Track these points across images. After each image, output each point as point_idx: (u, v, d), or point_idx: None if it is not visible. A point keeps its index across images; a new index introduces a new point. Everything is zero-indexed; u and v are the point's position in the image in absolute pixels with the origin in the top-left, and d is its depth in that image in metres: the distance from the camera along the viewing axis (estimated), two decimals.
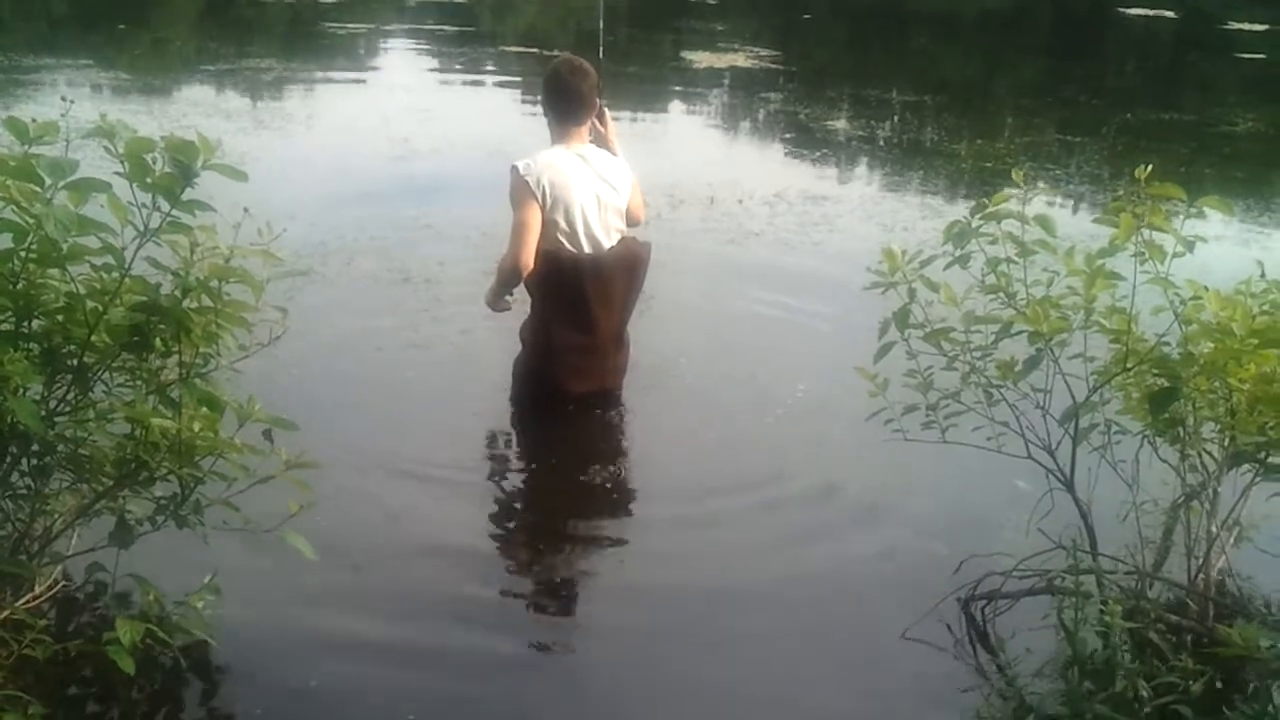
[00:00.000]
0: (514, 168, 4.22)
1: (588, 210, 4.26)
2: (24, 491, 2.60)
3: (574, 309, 4.31)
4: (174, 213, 2.30)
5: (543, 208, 4.20)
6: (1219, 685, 2.54)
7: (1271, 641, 2.33)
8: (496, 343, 4.77)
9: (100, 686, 2.68)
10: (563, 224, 4.23)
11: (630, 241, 4.42)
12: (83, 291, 2.39)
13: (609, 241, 4.35)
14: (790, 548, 3.55)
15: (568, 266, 4.26)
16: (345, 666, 2.85)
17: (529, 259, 4.19)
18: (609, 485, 3.93)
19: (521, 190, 4.19)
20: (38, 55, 12.46)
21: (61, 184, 2.20)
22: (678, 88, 13.58)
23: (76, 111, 2.41)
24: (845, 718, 2.81)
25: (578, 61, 4.38)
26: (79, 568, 2.89)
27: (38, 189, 2.21)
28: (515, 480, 3.96)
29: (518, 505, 3.85)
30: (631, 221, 4.50)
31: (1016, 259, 2.90)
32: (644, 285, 4.51)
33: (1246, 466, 2.99)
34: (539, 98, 4.44)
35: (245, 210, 2.49)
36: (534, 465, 4.07)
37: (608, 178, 4.33)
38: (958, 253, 2.93)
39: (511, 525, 3.72)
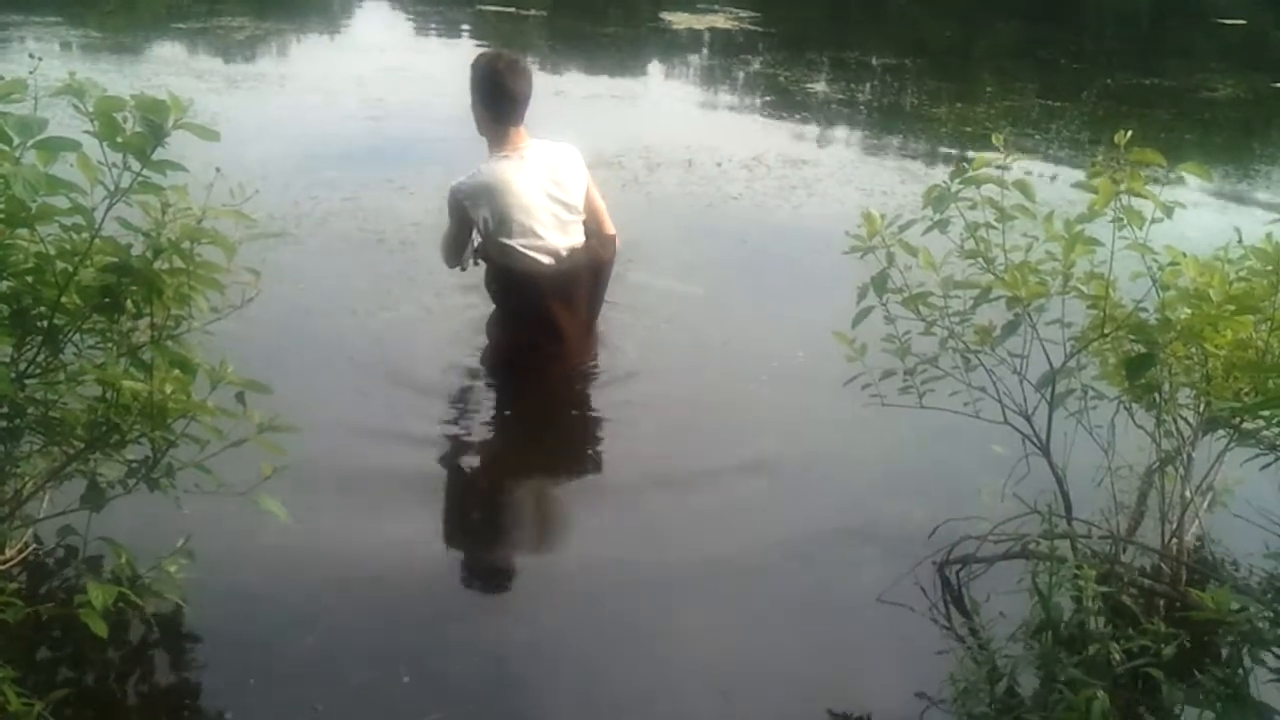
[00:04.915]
0: (451, 190, 4.14)
1: (540, 217, 4.14)
2: None
3: (537, 320, 4.28)
4: (145, 172, 2.25)
5: (486, 235, 4.16)
6: (1191, 649, 2.56)
7: (1242, 605, 2.35)
8: (469, 306, 4.76)
9: (72, 650, 2.67)
10: (515, 244, 4.13)
11: (590, 247, 4.31)
12: (52, 252, 2.34)
13: (567, 240, 4.23)
14: (766, 512, 3.56)
15: (528, 285, 4.21)
16: (321, 630, 2.84)
17: (451, 266, 4.42)
18: (583, 452, 3.93)
19: (454, 210, 4.19)
20: (4, 12, 12.23)
21: (30, 143, 2.15)
22: (656, 49, 13.47)
23: (45, 69, 2.35)
24: (819, 680, 2.82)
25: (512, 58, 4.19)
26: (50, 531, 2.87)
27: (5, 148, 2.17)
28: (487, 446, 3.94)
29: (490, 470, 3.83)
30: (597, 229, 4.36)
31: (995, 224, 2.89)
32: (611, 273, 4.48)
33: (1221, 432, 3.00)
34: (472, 98, 4.18)
35: (217, 170, 2.47)
36: (506, 430, 4.05)
37: (555, 176, 4.17)
38: (937, 217, 2.91)
39: (485, 491, 3.71)
